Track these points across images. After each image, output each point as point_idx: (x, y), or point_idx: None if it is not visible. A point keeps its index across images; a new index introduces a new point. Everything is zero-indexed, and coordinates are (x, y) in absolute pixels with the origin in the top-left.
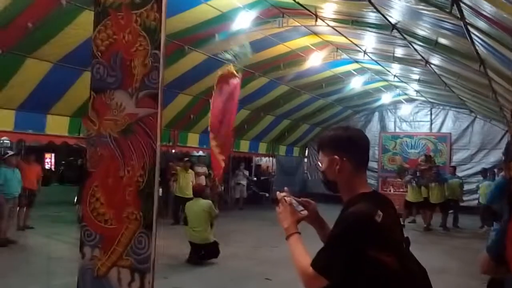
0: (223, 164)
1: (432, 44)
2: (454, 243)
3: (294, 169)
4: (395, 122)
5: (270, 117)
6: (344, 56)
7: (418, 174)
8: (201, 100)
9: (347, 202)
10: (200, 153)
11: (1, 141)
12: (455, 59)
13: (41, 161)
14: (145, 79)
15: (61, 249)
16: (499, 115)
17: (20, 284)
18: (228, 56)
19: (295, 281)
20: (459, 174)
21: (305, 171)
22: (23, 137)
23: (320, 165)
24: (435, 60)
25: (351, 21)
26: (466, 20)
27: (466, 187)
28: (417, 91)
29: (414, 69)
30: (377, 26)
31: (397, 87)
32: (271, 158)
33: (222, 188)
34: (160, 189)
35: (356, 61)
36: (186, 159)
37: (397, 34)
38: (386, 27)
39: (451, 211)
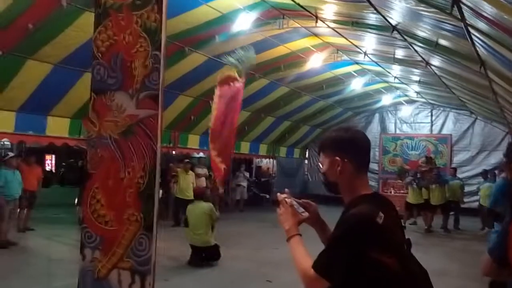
0: (223, 171)
1: (432, 46)
2: (455, 245)
3: (295, 170)
4: (395, 123)
5: (270, 118)
6: (345, 57)
7: (418, 176)
8: (201, 102)
9: (348, 204)
10: (201, 154)
11: (2, 143)
12: (456, 60)
13: (41, 162)
14: (145, 80)
15: (62, 251)
16: (500, 116)
17: (21, 286)
18: (232, 60)
19: (296, 283)
20: (460, 175)
21: (306, 173)
22: (24, 139)
23: (321, 166)
24: (436, 61)
25: (352, 22)
26: (467, 21)
27: (466, 188)
28: (418, 93)
29: (415, 70)
30: (377, 28)
31: (397, 88)
32: (271, 160)
33: (223, 190)
34: (161, 191)
35: (357, 63)
36: (187, 160)
37: (398, 36)
38: (386, 29)
39: (452, 212)
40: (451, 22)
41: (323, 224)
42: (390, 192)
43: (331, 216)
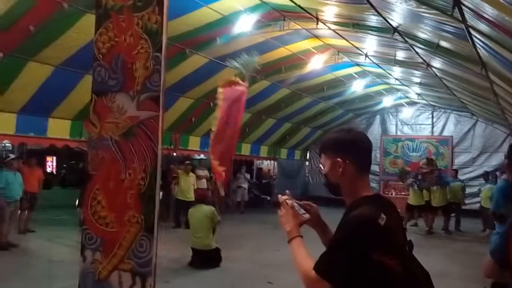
0: (224, 176)
1: (433, 47)
2: (456, 247)
3: (296, 172)
4: (396, 125)
5: (271, 120)
6: (346, 59)
7: (419, 177)
8: (202, 104)
9: (349, 205)
10: (202, 156)
11: (3, 145)
12: (457, 62)
13: (42, 164)
14: (146, 82)
15: (62, 253)
16: (501, 118)
17: None
18: (236, 64)
19: (297, 284)
20: (461, 177)
21: (307, 174)
22: (25, 141)
23: (323, 168)
24: (437, 63)
25: (353, 24)
26: (468, 23)
27: (468, 190)
28: (419, 94)
29: (416, 72)
30: (378, 29)
31: (398, 90)
32: (272, 161)
33: (224, 193)
34: (161, 192)
35: (358, 64)
36: (188, 162)
37: (399, 37)
38: (387, 30)
39: (453, 214)
40: (452, 24)
41: (324, 225)
42: (391, 194)
43: (332, 218)
